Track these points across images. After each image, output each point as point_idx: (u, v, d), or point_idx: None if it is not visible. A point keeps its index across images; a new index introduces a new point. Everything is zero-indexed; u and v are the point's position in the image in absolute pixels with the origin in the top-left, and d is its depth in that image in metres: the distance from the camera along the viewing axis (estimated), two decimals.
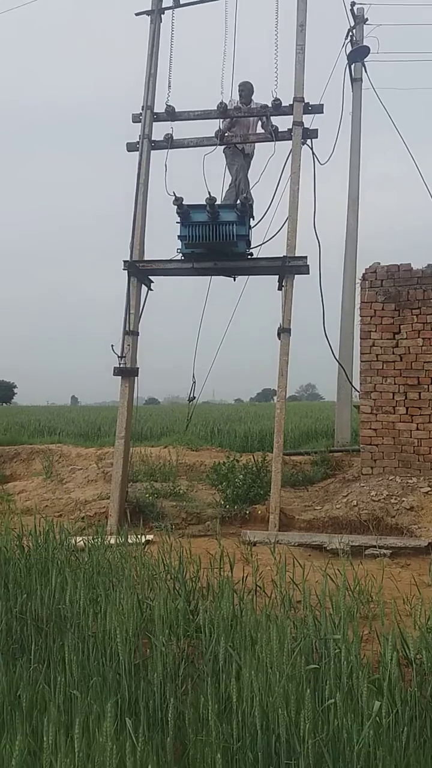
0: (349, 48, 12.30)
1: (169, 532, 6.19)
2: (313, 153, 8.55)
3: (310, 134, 8.46)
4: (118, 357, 8.37)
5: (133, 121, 8.97)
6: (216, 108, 8.63)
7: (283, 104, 8.35)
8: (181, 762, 2.57)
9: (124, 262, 8.58)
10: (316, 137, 8.52)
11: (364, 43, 12.31)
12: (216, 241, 8.05)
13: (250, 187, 8.79)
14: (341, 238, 12.12)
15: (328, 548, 6.28)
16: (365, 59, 12.29)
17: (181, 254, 8.44)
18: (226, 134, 8.66)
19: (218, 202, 8.11)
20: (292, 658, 2.79)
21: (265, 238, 8.67)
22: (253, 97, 8.70)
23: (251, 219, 8.49)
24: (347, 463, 10.26)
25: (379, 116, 11.94)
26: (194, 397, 9.75)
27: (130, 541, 5.46)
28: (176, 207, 8.06)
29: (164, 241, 8.57)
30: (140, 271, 8.58)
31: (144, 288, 8.76)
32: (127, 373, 8.44)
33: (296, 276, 8.08)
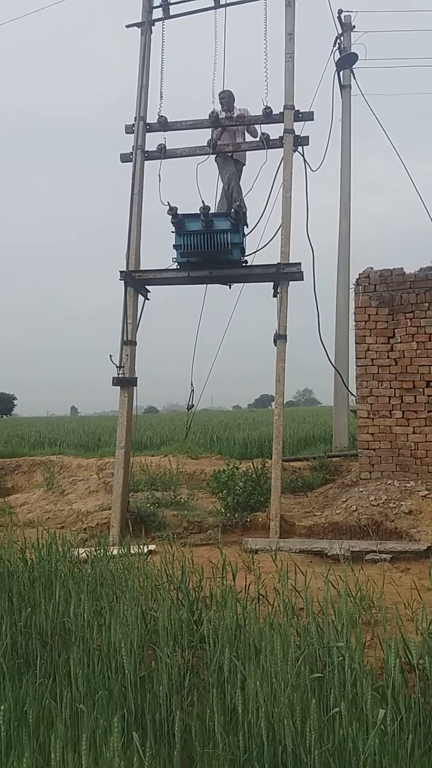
0: (337, 55, 12.42)
1: (171, 542, 6.20)
2: (304, 160, 8.62)
3: (301, 141, 8.52)
4: (117, 367, 8.40)
5: (126, 132, 9.03)
6: (208, 117, 8.70)
7: (273, 112, 8.41)
8: None
9: (121, 272, 8.62)
10: (307, 144, 8.58)
11: (352, 50, 12.42)
12: (211, 250, 8.10)
13: (243, 194, 8.85)
14: (334, 244, 12.19)
15: (329, 554, 6.29)
16: (353, 66, 12.39)
17: (176, 263, 8.49)
18: (219, 143, 8.72)
19: (212, 210, 8.17)
20: (296, 668, 2.81)
21: (259, 246, 8.74)
22: (235, 105, 8.77)
23: (245, 227, 8.54)
24: (346, 467, 10.29)
25: (369, 122, 12.07)
26: (193, 405, 9.77)
27: (132, 551, 5.47)
28: (171, 216, 8.11)
29: (160, 250, 8.63)
30: (136, 281, 8.62)
31: (141, 298, 8.80)
32: (126, 383, 8.47)
33: (291, 282, 8.13)
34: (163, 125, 8.84)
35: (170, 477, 10.50)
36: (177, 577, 4.53)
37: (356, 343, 8.32)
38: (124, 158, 9.03)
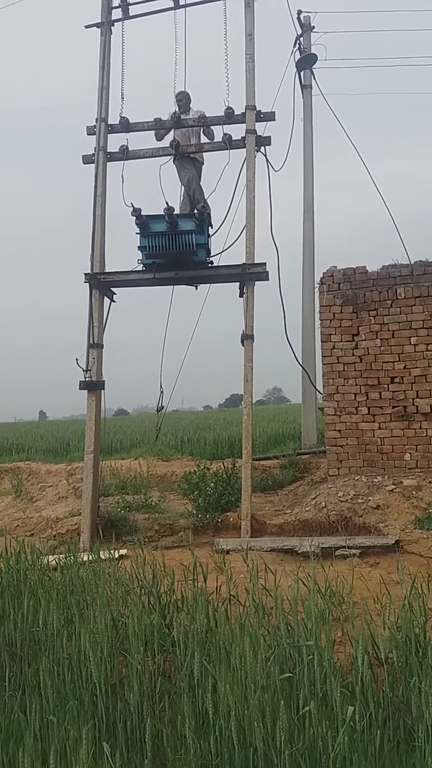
0: (297, 56, 12.49)
1: (143, 546, 6.17)
2: (267, 160, 8.65)
3: (263, 142, 8.55)
4: (84, 371, 8.32)
5: (88, 134, 8.94)
6: (170, 118, 8.68)
7: (235, 113, 8.43)
8: None
9: (85, 274, 8.54)
10: (270, 144, 8.62)
11: (312, 51, 12.51)
12: (176, 251, 8.08)
13: (206, 195, 8.85)
14: (299, 244, 12.28)
15: (299, 551, 6.34)
16: (313, 66, 12.49)
17: (141, 265, 8.45)
18: (182, 145, 8.70)
19: (176, 212, 8.15)
20: (266, 668, 2.82)
21: (225, 246, 8.73)
22: (191, 106, 8.77)
23: (210, 227, 8.54)
24: (315, 464, 10.37)
25: (330, 122, 12.14)
26: (163, 407, 9.74)
27: (103, 557, 5.43)
28: (135, 218, 8.07)
29: (125, 251, 8.57)
30: (102, 284, 8.56)
31: (107, 300, 8.73)
32: (94, 386, 8.39)
33: (257, 282, 8.16)
34: (125, 126, 8.78)
35: (141, 480, 10.45)
36: (148, 581, 4.51)
37: (322, 342, 8.40)
38: (86, 159, 8.95)
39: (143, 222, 8.05)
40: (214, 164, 8.87)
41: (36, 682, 3.24)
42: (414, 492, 7.35)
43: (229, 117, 8.47)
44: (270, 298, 8.83)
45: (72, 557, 5.35)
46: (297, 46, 12.50)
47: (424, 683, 2.62)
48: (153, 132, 8.88)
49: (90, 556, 5.60)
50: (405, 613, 3.42)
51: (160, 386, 9.49)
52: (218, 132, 8.56)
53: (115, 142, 8.87)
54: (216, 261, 8.76)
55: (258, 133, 8.48)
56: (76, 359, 8.31)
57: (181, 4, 8.87)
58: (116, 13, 9.09)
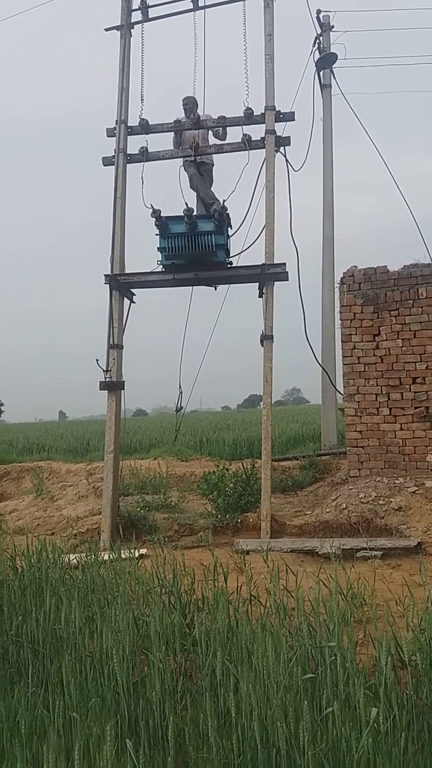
0: (317, 55, 12.46)
1: (162, 545, 6.19)
2: (286, 160, 8.63)
3: (282, 142, 8.54)
4: (104, 371, 8.37)
5: (108, 136, 9.01)
6: (189, 119, 8.71)
7: (254, 113, 8.43)
8: None
9: (105, 276, 8.60)
10: (289, 144, 8.60)
11: (332, 50, 12.47)
12: (195, 252, 8.10)
13: (226, 196, 8.85)
14: (318, 244, 12.23)
15: (320, 553, 6.31)
16: (333, 66, 12.44)
17: (161, 266, 8.48)
18: (201, 146, 8.72)
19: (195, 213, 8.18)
20: (288, 669, 2.81)
21: (244, 247, 8.73)
22: (198, 111, 8.78)
23: (229, 228, 8.55)
24: (335, 466, 10.32)
25: (350, 121, 12.09)
26: (182, 407, 9.76)
27: (123, 556, 5.45)
28: (154, 219, 8.10)
29: (145, 253, 8.61)
30: (121, 285, 8.60)
31: (126, 301, 8.78)
32: (114, 386, 8.44)
33: (276, 283, 8.14)
34: (145, 128, 8.83)
35: (160, 480, 10.48)
36: (168, 581, 4.51)
37: (342, 342, 8.35)
38: (107, 161, 9.01)
39: (163, 223, 8.08)
40: (233, 165, 8.89)
41: (59, 679, 3.26)
42: None
43: (249, 117, 8.47)
44: (289, 298, 8.81)
45: (93, 556, 5.38)
46: (316, 45, 12.47)
47: None
48: (172, 134, 8.93)
49: (110, 555, 5.62)
50: (429, 615, 3.39)
51: (179, 387, 9.52)
52: (237, 132, 8.56)
53: (134, 144, 8.94)
54: (235, 261, 8.77)
55: (277, 134, 8.48)
56: (97, 360, 8.38)
57: (200, 5, 8.90)
58: (136, 16, 9.15)
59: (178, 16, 9.12)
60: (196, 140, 8.67)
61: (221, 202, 8.34)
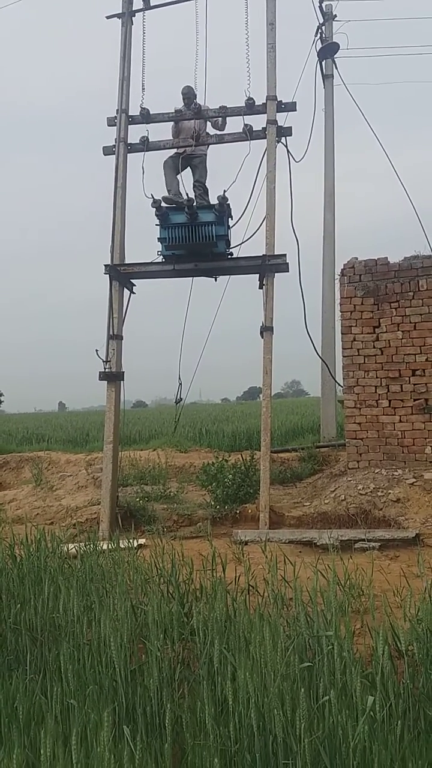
0: (319, 45, 12.36)
1: (161, 535, 6.21)
2: (288, 151, 8.60)
3: (284, 132, 8.49)
4: (103, 361, 8.37)
5: (109, 125, 8.96)
6: (190, 109, 8.66)
7: (256, 103, 8.38)
8: (180, 767, 2.59)
9: (105, 266, 8.58)
10: (291, 135, 8.56)
11: (334, 40, 12.37)
12: (195, 242, 8.08)
13: (228, 187, 8.78)
14: (319, 235, 12.19)
15: (318, 544, 6.32)
16: (335, 56, 12.35)
17: (161, 256, 8.46)
18: (202, 136, 8.67)
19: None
20: (285, 657, 2.82)
21: (244, 238, 8.71)
22: (195, 100, 8.70)
23: (230, 219, 8.51)
24: (334, 458, 10.33)
25: (352, 112, 12.01)
26: (181, 399, 9.77)
27: (122, 546, 5.47)
28: (155, 209, 8.07)
29: (146, 243, 8.58)
30: (121, 275, 8.58)
31: (126, 292, 8.76)
32: (113, 377, 8.44)
33: (276, 274, 8.12)
34: (146, 117, 8.78)
35: (159, 471, 10.49)
36: (167, 571, 4.52)
37: (342, 334, 8.34)
38: (107, 151, 8.97)
39: (163, 213, 8.06)
40: (234, 155, 8.84)
41: (57, 666, 3.27)
42: None
43: (250, 107, 8.43)
44: (289, 290, 8.79)
45: (91, 545, 5.40)
46: (319, 35, 12.37)
47: None
48: (172, 124, 8.86)
49: (109, 545, 5.64)
50: (426, 606, 3.40)
51: (179, 378, 9.52)
52: (238, 122, 8.51)
53: (135, 134, 8.89)
54: (236, 253, 8.75)
55: (279, 124, 8.43)
56: (96, 350, 8.37)
57: None
58: (137, 3, 9.09)
59: (179, 4, 9.07)
60: (197, 130, 8.62)
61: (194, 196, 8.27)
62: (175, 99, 8.89)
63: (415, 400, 7.84)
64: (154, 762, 2.32)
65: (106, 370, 8.36)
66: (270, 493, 7.76)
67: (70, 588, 4.04)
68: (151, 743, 2.57)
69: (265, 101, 8.39)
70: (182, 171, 8.74)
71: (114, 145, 8.85)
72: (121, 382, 8.59)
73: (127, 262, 8.67)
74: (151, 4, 9.05)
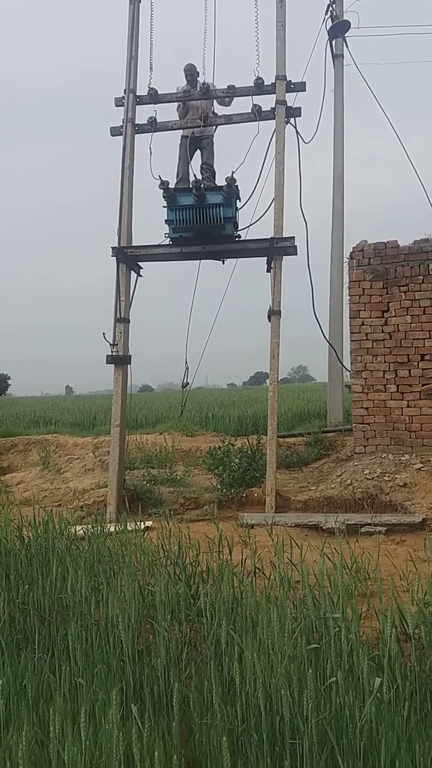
0: (329, 23, 12.14)
1: (168, 518, 6.23)
2: (297, 132, 8.50)
3: (293, 113, 8.39)
4: (110, 345, 8.35)
5: (116, 105, 8.87)
6: (193, 87, 8.55)
7: (265, 83, 8.27)
8: (187, 746, 2.61)
9: (112, 248, 8.53)
10: (300, 116, 8.46)
11: (345, 18, 12.15)
12: (203, 225, 8.02)
13: (236, 168, 8.69)
14: (328, 218, 12.07)
15: (324, 528, 6.34)
16: (346, 34, 12.13)
17: (168, 239, 8.41)
18: (210, 116, 8.57)
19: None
20: (293, 639, 2.83)
21: (252, 220, 8.63)
22: (199, 78, 8.59)
23: (238, 201, 8.43)
24: (340, 442, 10.32)
25: (362, 92, 11.83)
26: (188, 383, 9.76)
27: (129, 528, 5.49)
28: (162, 191, 8.00)
29: (153, 225, 8.53)
30: (129, 258, 8.54)
31: (133, 275, 8.72)
32: (120, 360, 8.43)
33: (284, 257, 8.06)
34: (154, 98, 8.68)
35: (166, 454, 10.52)
36: (174, 553, 4.55)
37: (350, 318, 8.29)
38: (115, 132, 8.89)
39: (171, 195, 7.99)
40: (242, 136, 8.73)
41: (65, 646, 3.30)
42: None
43: (259, 87, 8.32)
44: (296, 275, 8.73)
45: (99, 527, 5.43)
46: (329, 13, 12.14)
47: None
48: (178, 104, 8.76)
49: (116, 527, 5.67)
50: None
51: (185, 362, 9.50)
52: (246, 102, 8.40)
53: (143, 115, 8.79)
54: (243, 235, 8.67)
55: (288, 104, 8.32)
56: (103, 333, 8.35)
57: None
58: None
59: None
60: (205, 110, 8.52)
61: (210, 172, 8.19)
62: (183, 79, 8.78)
63: (423, 384, 7.80)
64: (161, 740, 2.33)
65: (113, 353, 8.35)
66: (276, 478, 7.77)
67: (78, 569, 4.06)
68: (158, 722, 2.58)
69: (274, 81, 8.28)
70: (191, 153, 8.67)
71: (122, 126, 8.76)
72: (128, 365, 8.58)
73: (134, 244, 8.62)
74: None
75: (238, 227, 8.54)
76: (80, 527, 5.98)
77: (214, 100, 8.61)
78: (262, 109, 8.28)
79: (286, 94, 8.29)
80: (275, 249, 7.97)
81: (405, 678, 2.77)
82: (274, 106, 8.27)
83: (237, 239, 8.52)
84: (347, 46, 12.19)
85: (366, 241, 8.36)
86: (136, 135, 8.75)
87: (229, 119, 8.64)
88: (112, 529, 5.67)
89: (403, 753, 2.26)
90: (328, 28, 12.14)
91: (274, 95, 8.28)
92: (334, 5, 12.17)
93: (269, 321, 8.00)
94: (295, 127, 8.45)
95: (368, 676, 2.53)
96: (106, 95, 8.96)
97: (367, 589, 4.12)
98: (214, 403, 19.77)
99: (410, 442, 7.81)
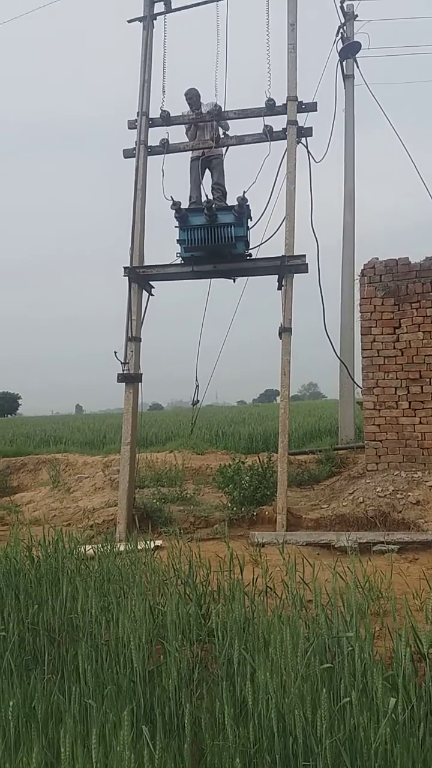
0: (339, 45, 12.30)
1: (178, 537, 6.19)
2: (308, 151, 8.57)
3: (304, 133, 8.47)
4: (122, 363, 8.39)
5: (129, 128, 9.00)
6: (194, 112, 8.67)
7: (276, 104, 8.37)
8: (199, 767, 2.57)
9: (125, 268, 8.61)
10: (311, 135, 8.54)
11: (355, 40, 12.31)
12: (215, 244, 8.07)
13: (247, 188, 8.76)
14: (339, 236, 12.13)
15: (336, 546, 6.27)
16: (356, 55, 12.29)
17: (180, 258, 8.47)
18: (217, 137, 8.66)
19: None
20: (305, 658, 2.79)
21: (264, 239, 8.68)
22: (202, 101, 8.70)
23: (249, 220, 8.50)
24: (352, 460, 10.25)
25: (373, 112, 11.94)
26: (198, 401, 9.75)
27: (139, 547, 5.46)
28: (174, 211, 8.08)
29: (164, 246, 8.60)
30: (140, 277, 8.60)
31: (145, 294, 8.78)
32: (131, 379, 8.45)
33: (295, 275, 8.09)
34: (166, 120, 8.81)
35: (176, 473, 10.49)
36: (184, 572, 4.51)
37: (362, 334, 8.28)
38: (127, 154, 9.01)
39: (182, 215, 8.06)
40: (254, 156, 8.82)
41: (74, 666, 3.27)
42: None
43: (270, 108, 8.41)
44: (307, 295, 8.75)
45: (109, 547, 5.40)
46: (339, 35, 12.32)
47: None
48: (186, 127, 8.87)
49: (126, 546, 5.64)
50: None
51: (196, 380, 9.51)
52: (258, 124, 8.49)
53: (155, 137, 8.91)
54: (254, 254, 8.72)
55: (299, 124, 8.41)
56: (115, 352, 8.39)
57: None
58: (158, 7, 9.12)
59: (200, 6, 9.08)
60: (216, 131, 8.63)
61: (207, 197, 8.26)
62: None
63: None
64: (173, 762, 2.29)
65: (124, 371, 8.38)
66: (287, 496, 7.71)
67: (88, 589, 4.04)
68: (170, 743, 2.54)
69: (285, 102, 8.37)
70: (202, 174, 8.77)
71: (134, 148, 8.88)
72: (139, 383, 8.60)
73: (146, 264, 8.69)
74: (172, 8, 9.08)
75: (249, 246, 8.59)
76: (90, 546, 5.95)
77: (217, 124, 8.70)
78: (274, 130, 8.37)
79: (297, 115, 8.38)
80: (286, 267, 8.00)
81: (420, 698, 2.71)
82: (285, 126, 8.36)
83: (248, 258, 8.57)
84: (358, 67, 12.35)
85: (377, 259, 8.37)
86: (148, 156, 8.86)
87: (241, 140, 8.73)
88: (122, 548, 5.65)
89: None
90: (338, 50, 12.30)
91: (285, 116, 8.37)
92: (344, 27, 12.35)
93: (280, 338, 8.00)
94: (306, 147, 8.53)
95: (383, 697, 2.48)
96: (116, 123, 9.10)
97: (380, 608, 4.07)
98: (224, 421, 19.74)
99: (423, 459, 7.74)
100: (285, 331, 7.94)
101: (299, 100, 8.37)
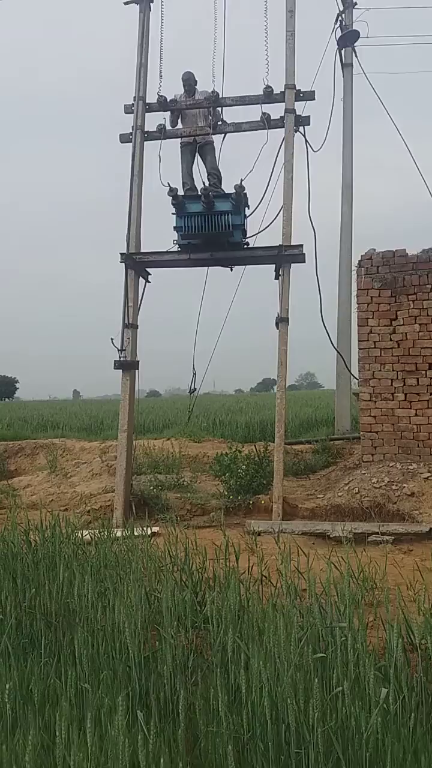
0: (338, 33, 12.18)
1: (175, 524, 6.22)
2: (306, 140, 8.54)
3: (302, 121, 8.42)
4: (118, 350, 8.39)
5: (126, 112, 8.93)
6: (191, 96, 8.60)
7: (274, 92, 8.31)
8: (192, 753, 2.61)
9: (121, 254, 8.58)
10: (309, 124, 8.49)
11: (354, 28, 12.19)
12: (212, 232, 8.05)
13: (245, 176, 8.72)
14: (336, 226, 12.09)
15: (331, 536, 6.32)
16: (355, 44, 12.17)
17: (177, 245, 8.44)
18: (215, 124, 8.59)
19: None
20: (299, 648, 2.82)
21: (261, 227, 8.66)
22: (197, 87, 8.62)
23: (246, 208, 8.46)
24: (348, 450, 10.30)
25: (371, 101, 11.86)
26: (195, 389, 9.78)
27: (136, 533, 5.50)
28: (171, 198, 8.04)
29: (162, 231, 8.57)
30: (137, 264, 8.58)
31: (142, 280, 8.76)
32: (128, 366, 8.46)
33: (293, 264, 8.08)
34: (163, 105, 8.73)
35: (173, 460, 10.53)
36: (180, 559, 4.55)
37: (358, 326, 8.29)
38: (124, 138, 8.94)
39: (179, 202, 8.03)
40: (251, 144, 8.76)
41: (71, 651, 3.30)
42: None
43: (268, 96, 8.36)
44: (304, 281, 8.74)
45: (105, 532, 5.43)
46: (338, 23, 12.19)
47: None
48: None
49: (123, 532, 5.67)
50: None
51: (193, 368, 9.53)
52: (256, 111, 8.44)
53: (152, 122, 8.84)
54: (252, 242, 8.70)
55: (297, 113, 8.36)
56: (111, 339, 8.39)
57: None
58: None
59: None
60: (212, 118, 8.56)
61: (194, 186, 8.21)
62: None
63: (431, 393, 7.78)
64: (167, 747, 2.33)
65: (121, 359, 8.38)
66: (283, 485, 7.76)
67: (85, 574, 4.07)
68: (164, 729, 2.58)
69: (283, 90, 8.31)
70: (192, 159, 8.71)
71: (131, 133, 8.82)
72: (136, 371, 8.61)
73: (143, 251, 8.66)
74: None
75: (246, 235, 8.56)
76: (87, 532, 5.98)
77: (207, 111, 8.60)
78: (271, 118, 8.32)
79: (296, 103, 8.33)
80: (283, 257, 7.99)
81: (411, 689, 2.76)
82: (283, 114, 8.31)
83: (245, 246, 8.55)
84: (356, 56, 12.24)
85: (374, 250, 8.36)
86: (145, 142, 8.80)
87: (239, 127, 8.68)
88: (118, 534, 5.67)
89: (409, 765, 2.25)
90: (337, 38, 12.18)
91: (284, 104, 8.31)
92: (343, 15, 12.22)
93: (277, 328, 8.01)
94: (304, 136, 8.50)
95: (374, 687, 2.52)
96: (115, 103, 9.02)
97: (374, 599, 4.11)
98: (222, 409, 19.79)
99: (418, 450, 7.79)
100: (282, 321, 7.95)
101: (297, 88, 8.31)
